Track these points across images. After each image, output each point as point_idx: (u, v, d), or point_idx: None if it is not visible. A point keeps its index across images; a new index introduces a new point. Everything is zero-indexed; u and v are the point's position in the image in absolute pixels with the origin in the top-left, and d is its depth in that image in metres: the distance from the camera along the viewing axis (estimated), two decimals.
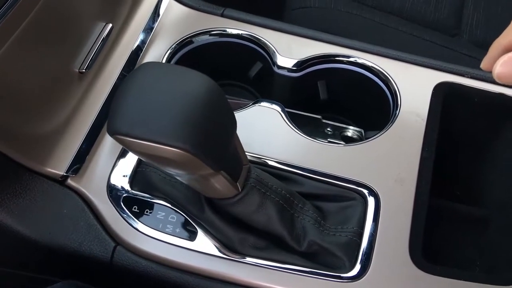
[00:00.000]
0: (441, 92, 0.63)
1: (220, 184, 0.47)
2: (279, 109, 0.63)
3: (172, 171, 0.46)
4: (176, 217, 0.55)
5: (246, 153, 0.49)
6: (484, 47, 0.90)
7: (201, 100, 0.39)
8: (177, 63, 0.69)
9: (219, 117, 0.41)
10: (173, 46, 0.68)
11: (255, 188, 0.50)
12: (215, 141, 0.41)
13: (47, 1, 0.52)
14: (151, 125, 0.38)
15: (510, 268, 0.56)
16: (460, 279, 0.51)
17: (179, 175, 0.48)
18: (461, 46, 0.89)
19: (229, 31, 0.69)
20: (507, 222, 0.62)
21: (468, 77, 0.65)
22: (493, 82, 0.64)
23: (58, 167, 0.56)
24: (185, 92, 0.39)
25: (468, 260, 0.60)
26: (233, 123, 0.44)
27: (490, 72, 0.43)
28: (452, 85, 0.64)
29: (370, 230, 0.54)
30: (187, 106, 0.38)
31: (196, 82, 0.40)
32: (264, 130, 0.61)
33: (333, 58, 0.67)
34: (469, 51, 0.87)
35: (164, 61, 0.67)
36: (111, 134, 0.40)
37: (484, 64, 0.43)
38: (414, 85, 0.64)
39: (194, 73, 0.41)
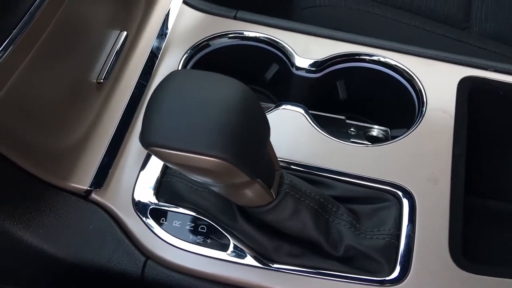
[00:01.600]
0: (466, 87, 0.62)
1: (255, 192, 0.45)
2: (302, 111, 0.61)
3: (207, 180, 0.45)
4: (206, 227, 0.53)
5: None
6: (495, 39, 0.89)
7: (237, 107, 0.37)
8: (192, 68, 0.68)
9: (255, 124, 0.40)
10: (188, 51, 0.66)
11: (290, 194, 0.49)
12: (252, 149, 0.40)
13: (63, 14, 0.50)
14: (187, 135, 0.37)
15: None
16: (505, 277, 0.49)
17: (213, 184, 0.47)
18: (473, 39, 0.88)
19: (246, 33, 0.68)
20: None
21: (491, 70, 0.64)
22: None
23: (81, 181, 0.54)
24: (219, 99, 0.38)
25: (505, 257, 0.59)
26: (267, 128, 0.42)
27: None
28: (477, 80, 0.63)
29: (407, 232, 0.52)
30: (223, 114, 0.37)
31: (229, 88, 0.39)
32: (290, 133, 0.59)
33: (354, 57, 0.65)
34: (483, 44, 0.86)
35: (180, 66, 0.66)
36: (146, 147, 0.38)
37: None
38: (439, 81, 0.63)
39: (226, 78, 0.39)
